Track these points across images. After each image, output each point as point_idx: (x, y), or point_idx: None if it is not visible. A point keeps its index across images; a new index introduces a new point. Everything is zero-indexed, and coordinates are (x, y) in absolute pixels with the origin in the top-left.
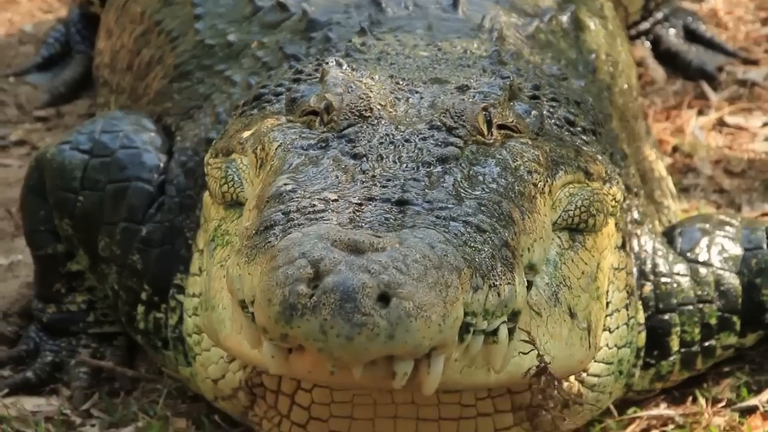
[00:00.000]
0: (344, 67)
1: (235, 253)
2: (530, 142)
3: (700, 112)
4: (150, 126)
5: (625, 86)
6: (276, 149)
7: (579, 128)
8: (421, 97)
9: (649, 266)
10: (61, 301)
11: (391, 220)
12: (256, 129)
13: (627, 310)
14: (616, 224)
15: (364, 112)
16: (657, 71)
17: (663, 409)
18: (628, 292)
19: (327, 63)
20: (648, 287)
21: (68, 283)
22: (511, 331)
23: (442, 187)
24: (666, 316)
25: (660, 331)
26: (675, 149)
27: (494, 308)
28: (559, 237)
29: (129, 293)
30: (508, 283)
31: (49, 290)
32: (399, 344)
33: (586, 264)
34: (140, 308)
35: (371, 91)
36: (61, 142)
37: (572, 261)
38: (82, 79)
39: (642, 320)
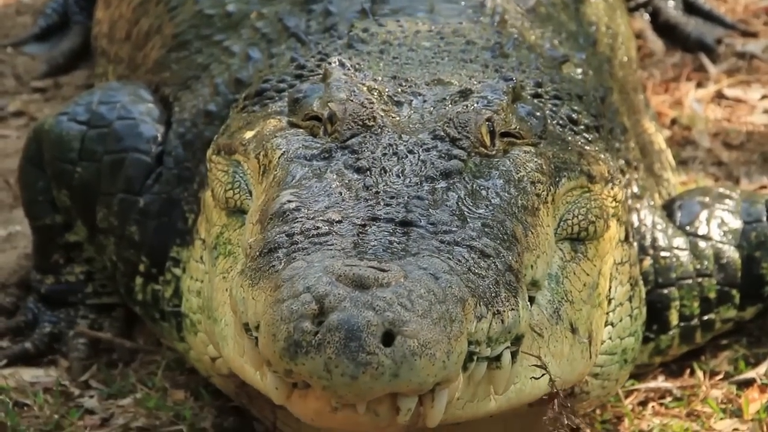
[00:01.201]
0: (347, 68)
1: (238, 273)
2: (533, 150)
3: (699, 85)
4: (147, 97)
5: (625, 59)
6: (279, 158)
7: (582, 126)
8: (424, 101)
9: (648, 240)
10: (59, 272)
11: (395, 245)
12: (259, 131)
13: (630, 302)
14: (618, 220)
15: (367, 121)
16: (656, 43)
17: (661, 382)
18: (631, 284)
19: (329, 63)
20: (647, 262)
21: (66, 254)
22: (513, 355)
23: (446, 206)
24: (665, 291)
25: (659, 305)
26: (673, 122)
27: (498, 335)
28: (561, 249)
29: (127, 265)
30: (512, 309)
31: (48, 261)
32: (403, 382)
33: (588, 275)
34: (138, 280)
35: (374, 96)
36: (59, 113)
37: (574, 274)
38: (80, 49)
39: (642, 287)
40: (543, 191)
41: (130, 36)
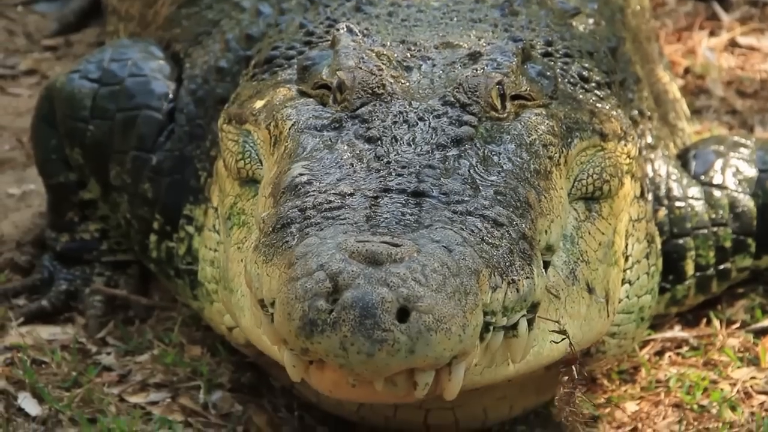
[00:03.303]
0: (355, 34)
1: (252, 249)
2: (544, 112)
3: (712, 33)
4: (158, 53)
5: (638, 7)
6: (290, 129)
7: (593, 83)
8: (434, 65)
9: (663, 191)
10: (74, 230)
11: (408, 216)
12: (269, 100)
13: (647, 259)
14: (632, 176)
15: (376, 89)
16: None
17: (677, 332)
18: (648, 241)
19: (338, 29)
20: (662, 212)
21: (81, 212)
22: (530, 322)
23: (458, 174)
24: (680, 241)
25: (675, 255)
26: (687, 71)
27: (513, 304)
28: (575, 209)
29: (141, 222)
30: (527, 277)
31: (62, 219)
32: (420, 358)
33: (603, 234)
34: (152, 237)
35: (383, 62)
36: (71, 71)
37: (589, 233)
38: (91, 7)
39: (659, 244)
40: (555, 153)
41: None
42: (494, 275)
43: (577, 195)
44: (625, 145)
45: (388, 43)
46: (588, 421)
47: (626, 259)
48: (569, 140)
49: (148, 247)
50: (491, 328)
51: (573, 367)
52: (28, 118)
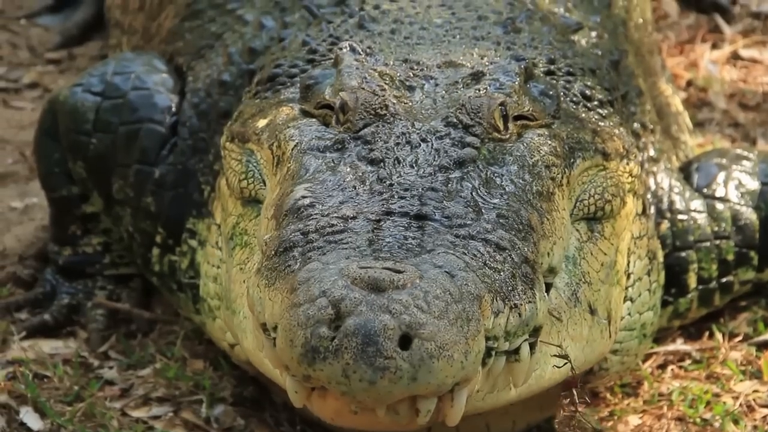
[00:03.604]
0: (358, 53)
1: (255, 272)
2: (547, 132)
3: (714, 46)
4: (162, 67)
5: (640, 21)
6: (292, 150)
7: (596, 102)
8: (436, 84)
9: (665, 204)
10: (76, 244)
11: (410, 240)
12: (271, 119)
13: (649, 276)
14: (634, 194)
15: (379, 110)
16: (670, 5)
17: (680, 345)
18: (650, 258)
19: (340, 48)
20: (665, 225)
21: (83, 226)
22: (532, 346)
23: (460, 197)
24: (683, 254)
25: (677, 268)
26: (689, 83)
27: (515, 329)
28: (577, 230)
29: (144, 236)
30: (529, 302)
31: (65, 233)
32: (422, 385)
33: (605, 255)
34: (155, 251)
35: (386, 82)
36: (73, 84)
37: (591, 254)
38: (94, 20)
39: (661, 259)
40: (558, 174)
41: (144, 6)
42: (496, 300)
43: (579, 215)
44: (628, 164)
45: (391, 62)
46: None
47: (628, 277)
48: (572, 160)
49: (150, 260)
50: (493, 353)
51: (573, 390)
52: (31, 132)
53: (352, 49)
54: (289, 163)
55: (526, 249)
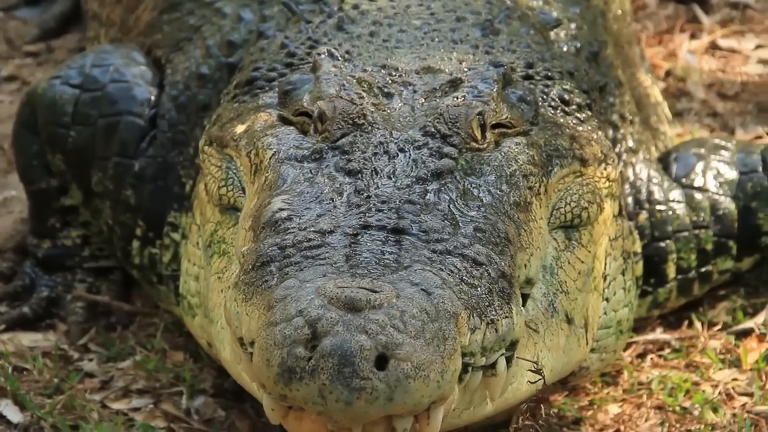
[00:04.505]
0: (336, 58)
1: (232, 286)
2: (524, 140)
3: (693, 36)
4: (140, 59)
5: (619, 12)
6: (270, 159)
7: (574, 106)
8: (415, 91)
9: (644, 194)
10: (55, 236)
11: (387, 256)
12: (249, 125)
13: (623, 275)
14: (612, 197)
15: (357, 119)
16: None
17: (659, 334)
18: (624, 258)
19: (319, 54)
20: (643, 216)
21: (62, 218)
22: (508, 360)
23: (438, 210)
24: (662, 244)
25: (656, 259)
26: (668, 73)
27: (492, 344)
28: (554, 238)
29: (123, 228)
30: (506, 317)
31: (44, 225)
32: (398, 405)
33: (582, 263)
34: (135, 243)
35: (363, 89)
36: (52, 77)
37: (569, 263)
38: (72, 12)
39: (639, 250)
40: (535, 183)
41: None
42: (473, 317)
43: (556, 224)
44: (605, 168)
45: (369, 68)
46: (570, 424)
47: (604, 278)
48: (549, 168)
49: (130, 253)
50: (470, 368)
51: (541, 405)
52: (10, 125)
53: (331, 55)
54: (267, 172)
55: (503, 263)
